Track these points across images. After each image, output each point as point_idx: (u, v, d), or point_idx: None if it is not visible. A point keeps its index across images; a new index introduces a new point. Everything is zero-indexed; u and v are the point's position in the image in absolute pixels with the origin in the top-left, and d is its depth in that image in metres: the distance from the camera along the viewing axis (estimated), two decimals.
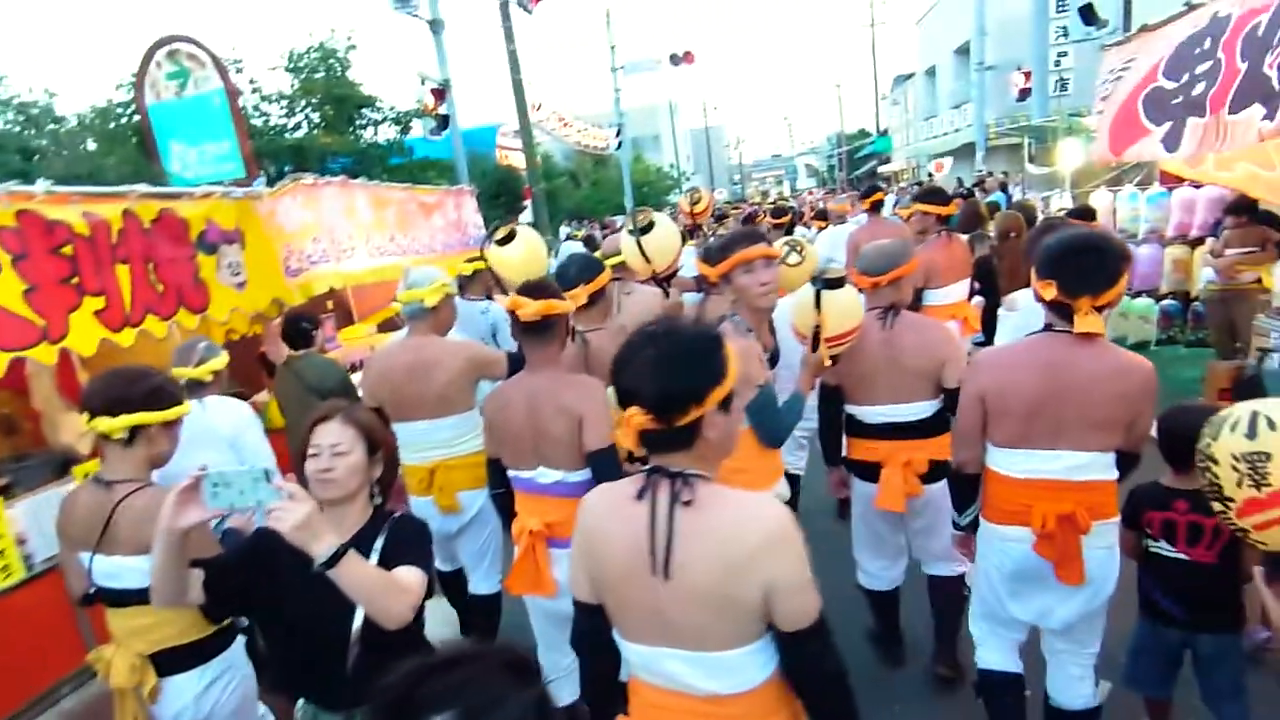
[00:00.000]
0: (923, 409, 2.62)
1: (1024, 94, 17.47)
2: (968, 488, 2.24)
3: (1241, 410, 1.35)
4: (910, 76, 31.54)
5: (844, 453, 2.84)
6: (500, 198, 13.59)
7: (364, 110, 9.70)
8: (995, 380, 2.06)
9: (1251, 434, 1.32)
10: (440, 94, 10.26)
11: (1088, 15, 8.05)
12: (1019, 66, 17.46)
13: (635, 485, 1.31)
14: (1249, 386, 1.70)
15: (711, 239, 4.82)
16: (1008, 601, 2.17)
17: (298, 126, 9.30)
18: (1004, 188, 12.91)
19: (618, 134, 21.86)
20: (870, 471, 2.70)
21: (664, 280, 3.24)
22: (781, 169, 74.79)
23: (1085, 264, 1.91)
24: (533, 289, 2.30)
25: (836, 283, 2.53)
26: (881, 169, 37.28)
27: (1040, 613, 2.14)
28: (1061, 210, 7.04)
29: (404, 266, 3.82)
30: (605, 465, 2.20)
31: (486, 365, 3.01)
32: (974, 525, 2.26)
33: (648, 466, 1.32)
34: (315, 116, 9.24)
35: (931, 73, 26.58)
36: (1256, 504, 1.29)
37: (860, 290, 2.68)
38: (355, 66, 9.49)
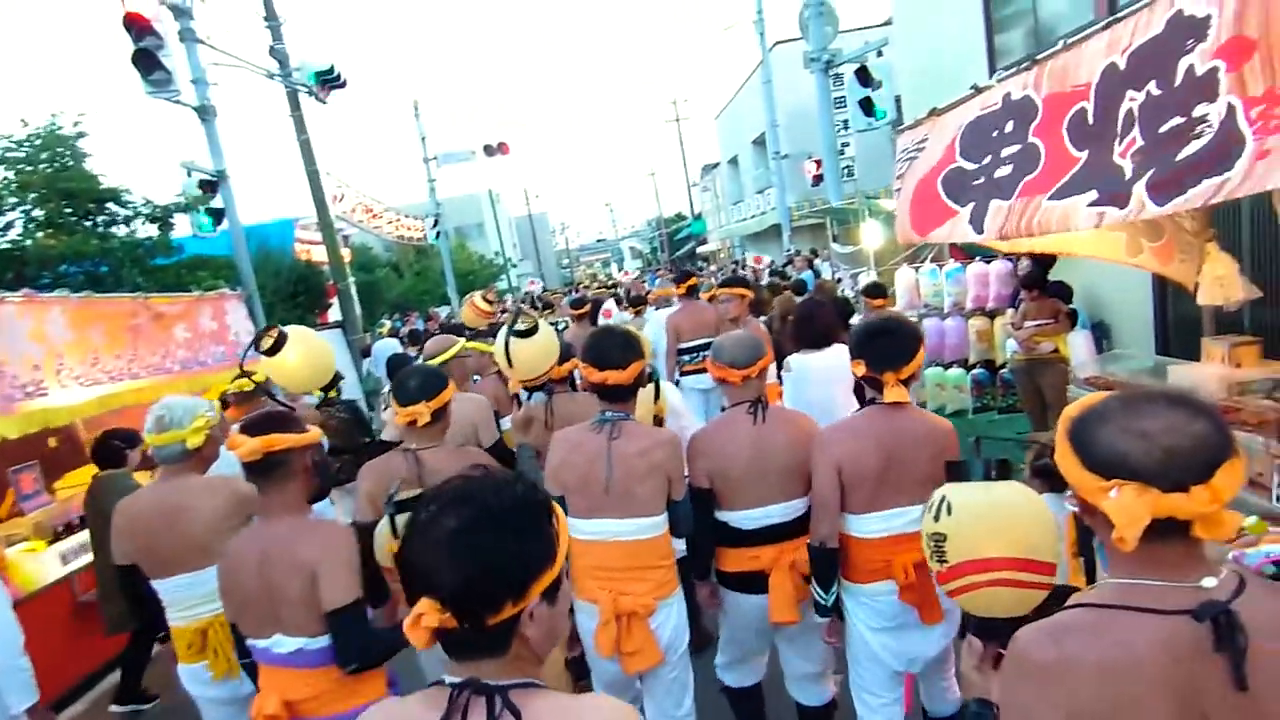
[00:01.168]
0: (798, 506, 2.50)
1: (817, 180, 19.02)
2: (831, 563, 2.35)
3: (939, 494, 1.58)
4: (716, 165, 33.86)
5: (716, 566, 2.63)
6: (299, 296, 12.20)
7: (107, 206, 8.18)
8: (846, 453, 2.29)
9: (936, 517, 1.56)
10: (212, 186, 9.00)
11: (866, 108, 8.65)
12: (810, 155, 19.10)
13: (433, 710, 1.00)
14: (956, 471, 2.11)
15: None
16: (883, 655, 2.39)
17: (9, 226, 7.62)
18: (811, 265, 13.64)
19: (435, 224, 21.06)
20: (753, 582, 2.49)
21: (534, 390, 3.11)
22: (608, 252, 77.16)
23: (885, 344, 2.29)
24: (256, 423, 2.04)
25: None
26: (700, 249, 39.40)
27: (910, 659, 2.39)
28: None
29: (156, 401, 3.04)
30: (346, 627, 1.91)
31: (254, 502, 2.41)
32: (837, 609, 2.39)
33: (453, 680, 1.02)
34: (39, 214, 7.63)
35: (734, 161, 28.61)
36: (942, 576, 1.53)
37: (724, 382, 2.57)
38: (102, 156, 8.10)
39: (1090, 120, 2.70)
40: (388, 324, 20.61)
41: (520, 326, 3.03)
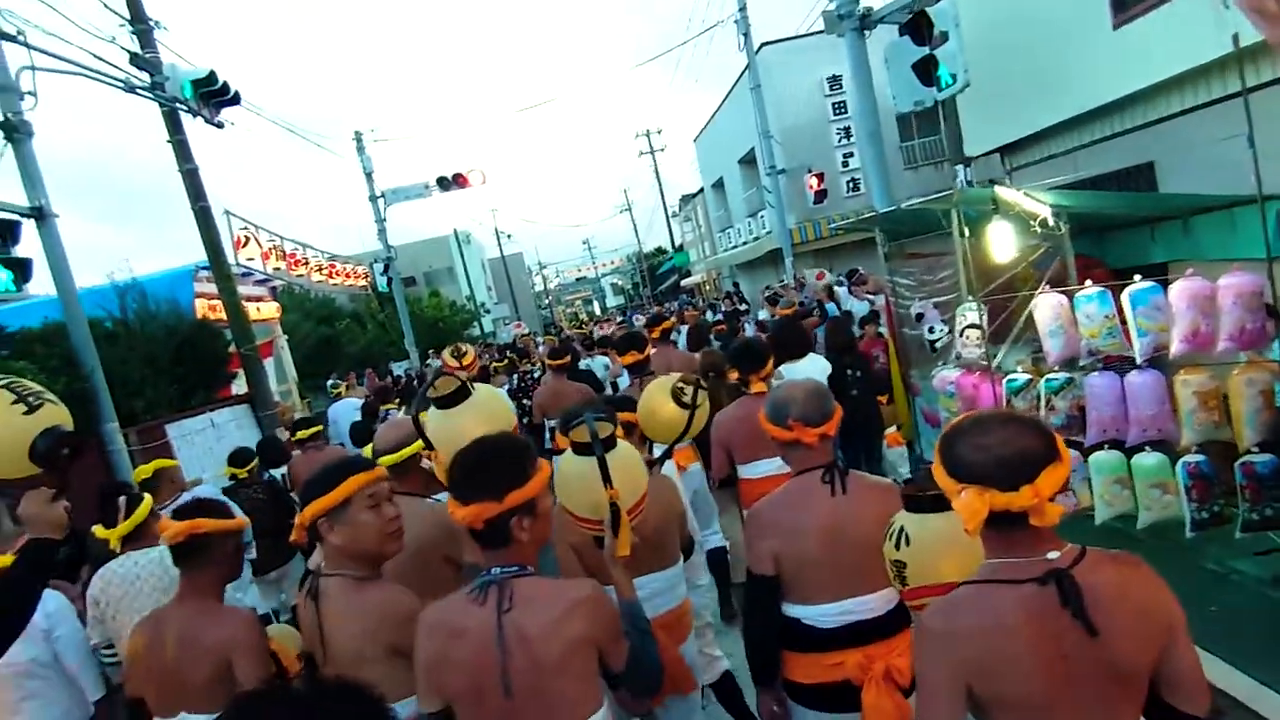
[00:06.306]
0: (889, 597, 2.06)
1: (820, 196, 16.76)
2: None
3: (897, 523, 1.79)
4: (697, 194, 31.71)
5: (783, 674, 2.14)
6: (183, 365, 9.48)
7: None
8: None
9: (896, 546, 1.77)
10: (8, 228, 6.38)
11: (925, 73, 6.19)
12: (810, 169, 16.81)
13: None
14: (914, 503, 1.80)
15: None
16: None
17: None
18: (831, 295, 11.11)
19: (385, 269, 18.54)
20: (837, 698, 2.02)
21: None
22: (589, 290, 75.19)
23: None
24: (184, 508, 2.23)
25: (611, 441, 2.03)
26: (684, 283, 37.13)
27: None
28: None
29: None
30: None
31: None
32: None
33: None
34: None
35: (719, 185, 26.36)
36: (905, 595, 1.78)
37: (791, 445, 2.17)
38: None
39: None
40: (343, 385, 17.80)
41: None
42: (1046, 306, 4.17)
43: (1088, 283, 4.05)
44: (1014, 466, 1.28)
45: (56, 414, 1.89)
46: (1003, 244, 4.12)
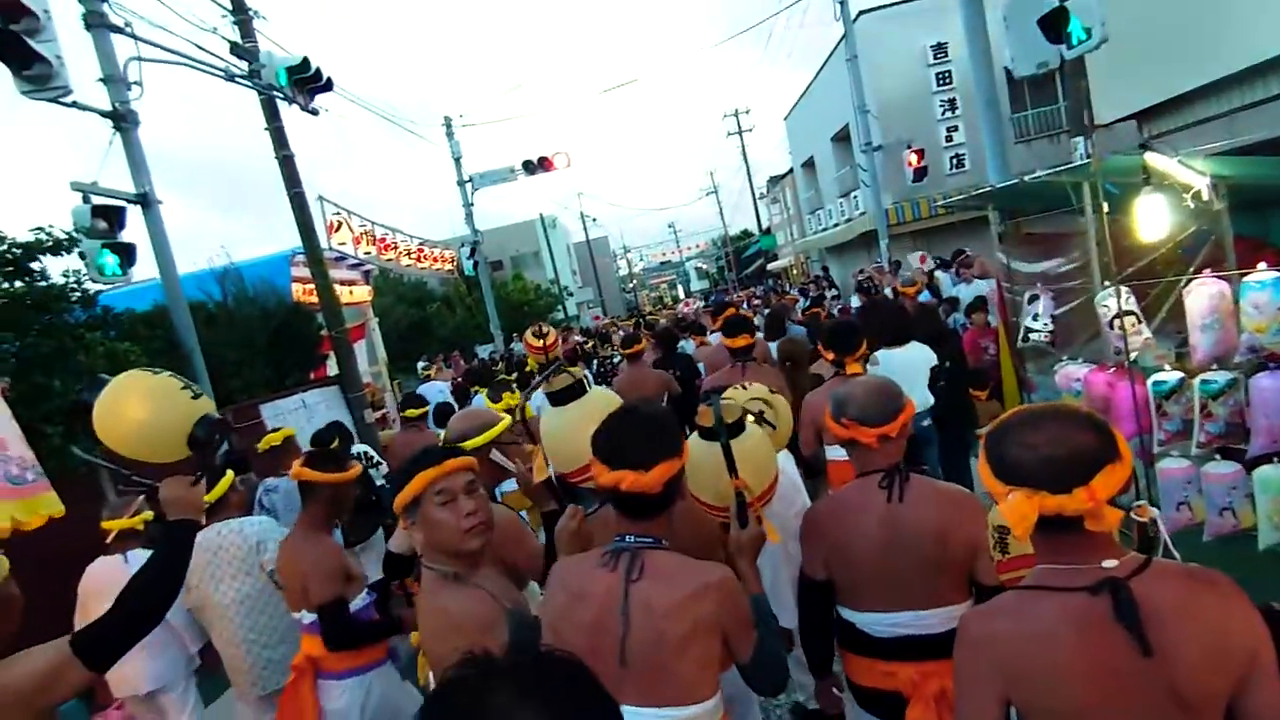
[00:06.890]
0: (949, 615, 1.87)
1: (920, 173, 15.74)
2: None
3: None
4: (785, 175, 30.68)
5: (843, 672, 2.10)
6: (278, 348, 9.79)
7: None
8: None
9: None
10: (115, 215, 6.64)
11: (1054, 28, 5.46)
12: (909, 144, 15.80)
13: None
14: None
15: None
16: None
17: None
18: (931, 279, 10.33)
19: (472, 253, 18.78)
20: (887, 705, 1.94)
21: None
22: (673, 274, 74.87)
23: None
24: (308, 457, 2.85)
25: (738, 425, 1.97)
26: (770, 266, 36.22)
27: None
28: None
29: None
30: (326, 620, 2.64)
31: None
32: None
33: None
34: None
35: (810, 164, 25.35)
36: (1001, 566, 1.77)
37: (850, 444, 2.05)
38: None
39: None
40: (434, 367, 18.24)
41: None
42: (1203, 295, 3.55)
43: (1261, 266, 3.40)
44: (1065, 467, 1.20)
45: (209, 402, 1.99)
46: (1154, 221, 3.52)
